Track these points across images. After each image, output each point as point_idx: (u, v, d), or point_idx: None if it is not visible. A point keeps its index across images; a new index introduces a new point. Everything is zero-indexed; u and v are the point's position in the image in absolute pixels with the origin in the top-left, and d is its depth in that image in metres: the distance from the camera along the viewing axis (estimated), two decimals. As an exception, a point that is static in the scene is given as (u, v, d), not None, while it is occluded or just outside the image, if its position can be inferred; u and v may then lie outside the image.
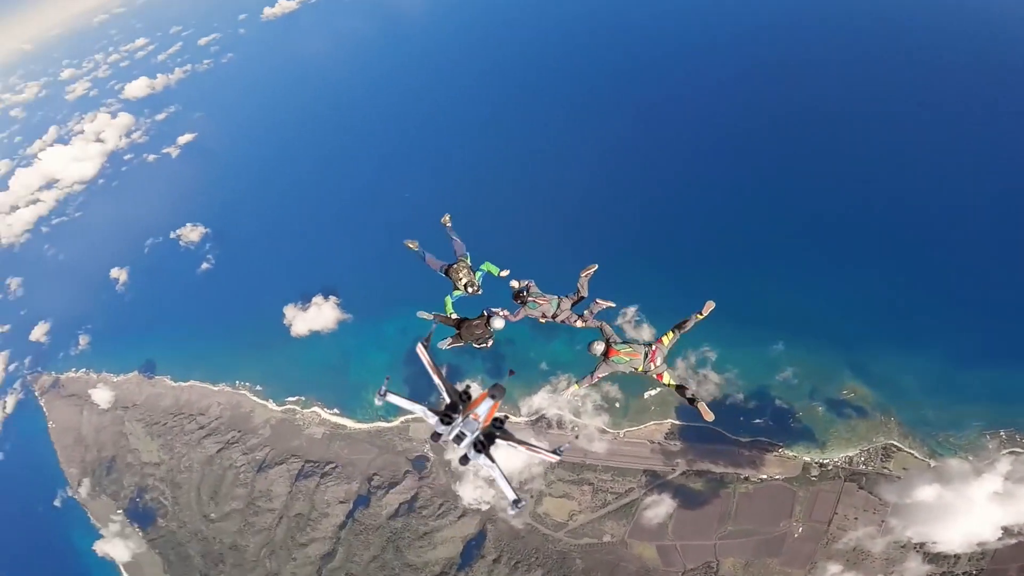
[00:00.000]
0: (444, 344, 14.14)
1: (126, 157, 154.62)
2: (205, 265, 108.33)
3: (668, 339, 12.95)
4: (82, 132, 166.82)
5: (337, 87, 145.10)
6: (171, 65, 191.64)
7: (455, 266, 14.25)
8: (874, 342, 54.72)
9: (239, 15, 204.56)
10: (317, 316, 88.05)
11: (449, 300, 14.39)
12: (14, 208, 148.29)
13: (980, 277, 56.33)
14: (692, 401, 12.75)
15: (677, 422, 55.43)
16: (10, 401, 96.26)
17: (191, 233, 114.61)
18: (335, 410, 78.08)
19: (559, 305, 14.24)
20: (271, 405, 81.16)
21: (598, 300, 14.51)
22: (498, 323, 13.52)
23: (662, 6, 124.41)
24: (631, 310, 62.89)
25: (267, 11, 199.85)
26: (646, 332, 59.68)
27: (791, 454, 52.71)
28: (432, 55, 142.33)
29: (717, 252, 68.24)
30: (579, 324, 14.24)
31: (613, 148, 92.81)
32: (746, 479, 52.35)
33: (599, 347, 12.98)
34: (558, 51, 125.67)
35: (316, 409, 78.81)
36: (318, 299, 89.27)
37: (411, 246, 14.95)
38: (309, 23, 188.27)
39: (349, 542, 64.63)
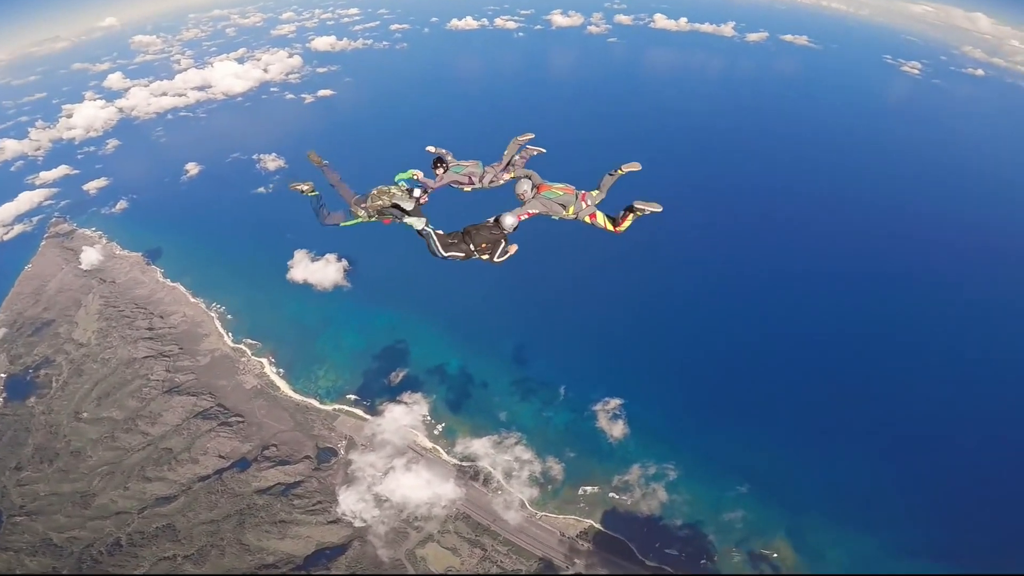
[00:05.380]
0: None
1: (272, 89, 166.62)
2: (262, 189, 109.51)
3: (595, 193, 11.83)
4: (257, 60, 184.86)
5: (471, 103, 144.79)
6: (359, 35, 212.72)
7: (380, 191, 12.36)
8: (824, 514, 52.59)
9: (432, 17, 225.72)
10: (321, 271, 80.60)
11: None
12: (164, 93, 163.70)
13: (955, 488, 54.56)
14: (631, 210, 11.63)
15: (597, 525, 51.43)
16: (16, 229, 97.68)
17: (271, 162, 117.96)
18: (281, 370, 68.03)
19: (484, 168, 13.06)
20: (227, 338, 72.74)
21: (528, 147, 12.97)
22: (418, 224, 11.79)
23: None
24: (614, 402, 61.50)
25: (454, 22, 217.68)
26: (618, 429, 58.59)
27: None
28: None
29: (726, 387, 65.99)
30: (507, 177, 12.97)
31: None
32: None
33: (525, 185, 11.91)
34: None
35: (264, 360, 69.19)
36: (331, 257, 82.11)
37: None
38: (480, 43, 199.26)
39: (197, 496, 53.27)
